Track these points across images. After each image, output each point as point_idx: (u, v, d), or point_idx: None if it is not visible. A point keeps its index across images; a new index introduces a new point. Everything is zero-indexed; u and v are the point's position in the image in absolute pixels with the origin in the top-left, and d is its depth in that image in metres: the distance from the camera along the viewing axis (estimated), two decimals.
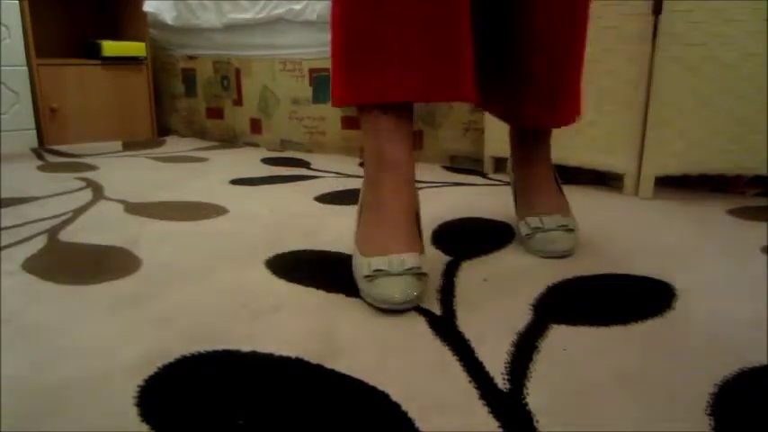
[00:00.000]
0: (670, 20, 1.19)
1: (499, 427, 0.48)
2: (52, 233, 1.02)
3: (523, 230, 0.95)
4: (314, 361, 0.58)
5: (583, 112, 0.87)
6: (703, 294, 0.75)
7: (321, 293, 0.76)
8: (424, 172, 1.56)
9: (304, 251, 0.93)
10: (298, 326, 0.67)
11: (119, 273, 0.83)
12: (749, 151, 1.24)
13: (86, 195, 1.32)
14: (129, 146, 2.11)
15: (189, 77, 2.29)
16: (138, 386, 0.54)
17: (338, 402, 0.52)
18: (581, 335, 0.64)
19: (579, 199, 1.29)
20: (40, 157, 1.86)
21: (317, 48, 1.87)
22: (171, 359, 0.59)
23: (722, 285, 0.79)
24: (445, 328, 0.66)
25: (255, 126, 2.12)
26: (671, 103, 1.23)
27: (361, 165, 1.67)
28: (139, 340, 0.63)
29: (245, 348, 0.61)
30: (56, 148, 2.02)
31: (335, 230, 1.03)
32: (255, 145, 2.13)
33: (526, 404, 0.51)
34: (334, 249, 0.93)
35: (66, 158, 1.84)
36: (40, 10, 2.10)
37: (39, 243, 0.96)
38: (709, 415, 0.50)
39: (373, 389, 0.54)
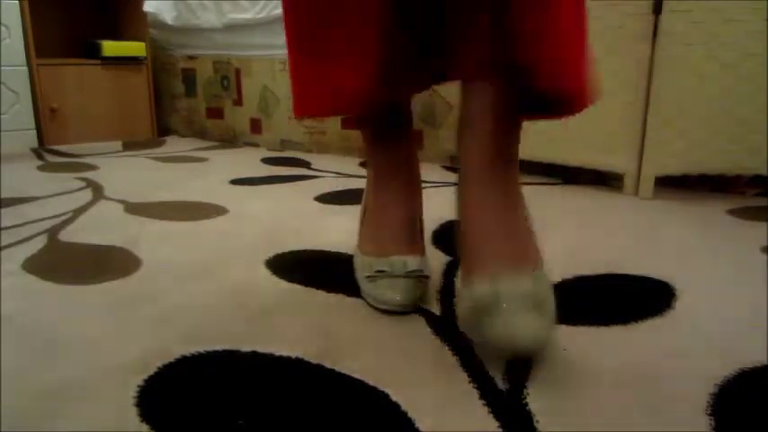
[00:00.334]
0: (670, 20, 1.19)
1: (499, 427, 0.48)
2: (52, 233, 1.02)
3: (463, 305, 0.60)
4: (314, 361, 0.58)
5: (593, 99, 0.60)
6: (703, 294, 0.75)
7: (321, 293, 0.76)
8: (424, 172, 1.55)
9: (304, 251, 0.93)
10: (298, 326, 0.67)
11: (119, 273, 0.83)
12: (749, 151, 1.24)
13: (86, 195, 1.32)
14: (129, 146, 2.11)
15: (189, 77, 2.29)
16: (138, 386, 0.54)
17: (338, 402, 0.52)
18: (581, 335, 0.64)
19: (579, 199, 1.29)
20: (40, 157, 1.86)
21: None
22: (171, 359, 0.59)
23: (722, 285, 0.79)
24: (445, 328, 0.66)
25: (255, 126, 2.12)
26: (671, 102, 1.23)
27: (362, 165, 1.67)
28: (139, 340, 0.63)
29: (245, 348, 0.61)
30: (56, 148, 2.02)
31: (335, 230, 1.03)
32: (255, 145, 2.13)
33: (526, 404, 0.51)
34: (334, 249, 0.92)
35: (66, 158, 1.84)
36: (40, 10, 2.09)
37: (39, 243, 0.96)
38: (710, 415, 0.50)
39: (373, 389, 0.54)
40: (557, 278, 0.81)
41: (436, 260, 0.87)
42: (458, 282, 0.65)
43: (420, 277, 0.71)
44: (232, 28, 2.04)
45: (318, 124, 1.94)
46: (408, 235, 0.75)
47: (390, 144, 0.77)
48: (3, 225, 1.06)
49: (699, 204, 1.23)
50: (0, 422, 0.49)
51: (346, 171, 1.60)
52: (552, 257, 0.90)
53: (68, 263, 0.87)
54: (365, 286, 0.72)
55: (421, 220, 0.79)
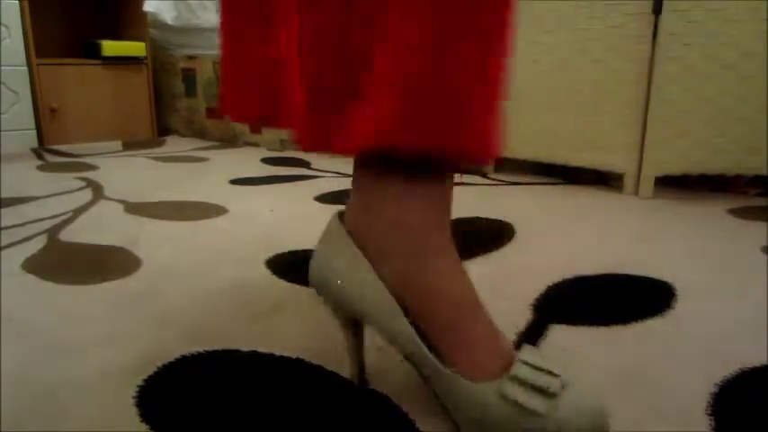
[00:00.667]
0: (670, 20, 1.19)
1: None
2: (52, 233, 1.02)
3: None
4: (314, 361, 0.58)
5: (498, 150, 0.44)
6: (703, 294, 0.75)
7: None
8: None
9: (304, 251, 0.93)
10: (298, 326, 0.66)
11: (119, 273, 0.83)
12: (749, 151, 1.24)
13: (86, 195, 1.32)
14: (129, 146, 2.11)
15: (189, 77, 2.29)
16: (138, 386, 0.54)
17: (338, 403, 0.52)
18: (581, 335, 0.64)
19: (579, 199, 1.29)
20: (40, 156, 1.86)
21: None
22: (171, 359, 0.59)
23: (722, 285, 0.79)
24: None
25: (255, 125, 2.12)
26: (671, 102, 1.23)
27: None
28: (139, 340, 0.63)
29: (245, 348, 0.61)
30: (56, 147, 2.02)
31: None
32: (255, 145, 2.13)
33: None
34: None
35: (66, 158, 1.84)
36: (40, 10, 2.09)
37: (39, 243, 0.96)
38: (710, 415, 0.50)
39: (374, 389, 0.54)
40: (557, 278, 0.81)
41: None
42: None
43: None
44: None
45: None
46: None
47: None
48: (3, 225, 1.06)
49: (699, 204, 1.23)
50: (0, 422, 0.49)
51: (346, 171, 1.60)
52: (552, 257, 0.90)
53: (68, 263, 0.87)
54: None
55: None
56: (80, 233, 1.02)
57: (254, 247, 0.94)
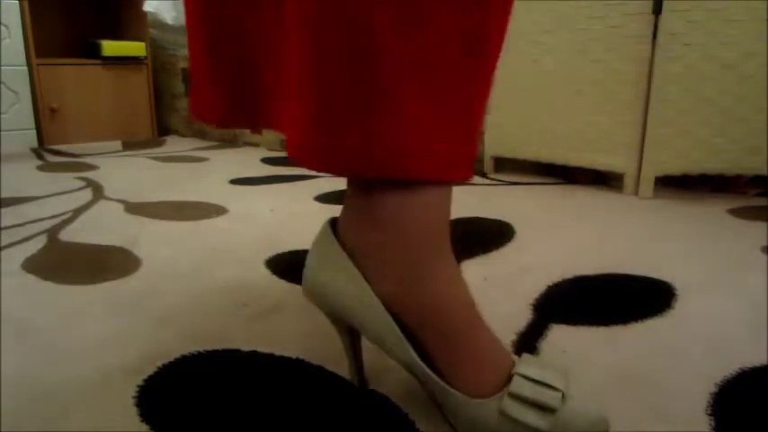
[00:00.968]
0: (670, 20, 1.19)
1: None
2: (52, 233, 1.02)
3: None
4: (314, 361, 0.58)
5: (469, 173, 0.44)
6: (703, 294, 0.75)
7: None
8: None
9: (304, 251, 0.92)
10: (298, 326, 0.66)
11: (119, 273, 0.83)
12: (749, 151, 1.24)
13: (86, 195, 1.32)
14: (129, 146, 2.11)
15: (189, 77, 2.29)
16: (138, 386, 0.54)
17: (338, 403, 0.52)
18: (581, 335, 0.64)
19: (579, 199, 1.29)
20: (39, 156, 1.86)
21: None
22: (171, 359, 0.59)
23: (722, 285, 0.79)
24: None
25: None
26: (671, 102, 1.23)
27: None
28: (139, 340, 0.63)
29: (245, 348, 0.61)
30: (56, 147, 2.02)
31: None
32: (255, 145, 2.13)
33: None
34: None
35: (66, 158, 1.84)
36: (40, 10, 2.09)
37: (39, 243, 0.96)
38: (710, 415, 0.50)
39: (374, 390, 0.54)
40: (557, 278, 0.81)
41: None
42: None
43: None
44: None
45: None
46: None
47: None
48: (3, 225, 1.06)
49: (699, 204, 1.23)
50: (0, 422, 0.49)
51: None
52: (552, 257, 0.90)
53: (68, 263, 0.87)
54: None
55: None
56: (80, 233, 1.02)
57: (254, 247, 0.94)
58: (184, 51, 2.26)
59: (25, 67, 1.93)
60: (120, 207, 1.21)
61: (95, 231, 1.03)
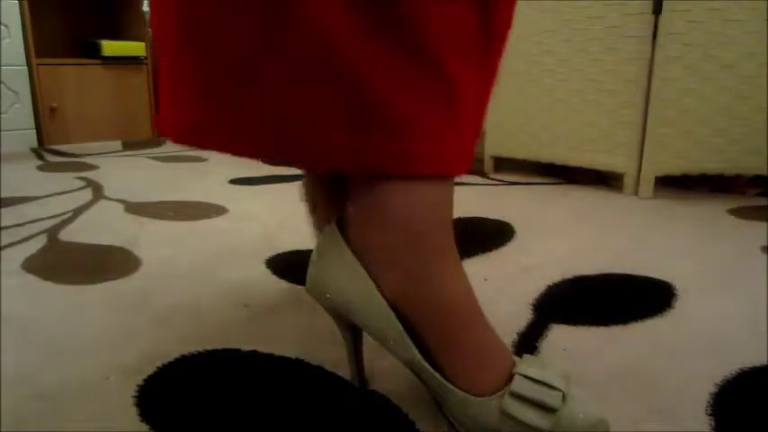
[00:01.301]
0: (670, 20, 1.19)
1: None
2: (52, 233, 1.02)
3: None
4: (314, 361, 0.58)
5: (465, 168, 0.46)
6: (703, 294, 0.75)
7: None
8: None
9: (304, 251, 0.93)
10: (298, 326, 0.66)
11: (119, 273, 0.83)
12: (749, 151, 1.24)
13: (86, 195, 1.32)
14: (129, 145, 2.11)
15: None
16: (138, 386, 0.54)
17: (339, 403, 0.52)
18: (581, 335, 0.64)
19: (580, 199, 1.29)
20: (39, 156, 1.86)
21: None
22: (170, 359, 0.58)
23: (722, 285, 0.79)
24: None
25: None
26: (671, 102, 1.23)
27: None
28: (139, 340, 0.63)
29: (245, 348, 0.61)
30: (56, 147, 2.01)
31: None
32: None
33: None
34: None
35: (66, 158, 1.84)
36: (40, 10, 2.09)
37: (39, 243, 0.96)
38: (710, 415, 0.50)
39: (374, 390, 0.54)
40: (557, 278, 0.81)
41: None
42: None
43: None
44: None
45: None
46: None
47: None
48: (3, 225, 1.06)
49: (699, 204, 1.23)
50: (0, 422, 0.49)
51: None
52: (552, 257, 0.90)
53: (68, 263, 0.87)
54: None
55: None
56: (80, 233, 1.02)
57: (254, 246, 0.94)
58: None
59: (25, 67, 1.93)
60: (120, 207, 1.21)
61: (95, 231, 1.03)
